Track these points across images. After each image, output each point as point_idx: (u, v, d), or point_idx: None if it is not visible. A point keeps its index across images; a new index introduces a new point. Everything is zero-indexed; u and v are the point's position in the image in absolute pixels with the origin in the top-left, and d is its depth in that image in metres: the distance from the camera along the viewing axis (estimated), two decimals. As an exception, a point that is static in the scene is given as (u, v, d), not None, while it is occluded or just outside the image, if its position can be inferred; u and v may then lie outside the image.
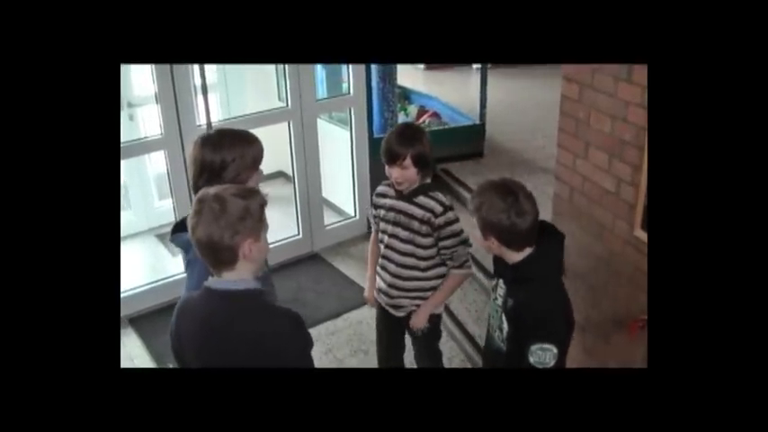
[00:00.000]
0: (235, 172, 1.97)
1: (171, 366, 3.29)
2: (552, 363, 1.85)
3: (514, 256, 1.93)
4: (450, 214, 2.37)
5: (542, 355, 1.84)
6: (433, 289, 2.49)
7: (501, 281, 2.04)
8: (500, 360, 2.07)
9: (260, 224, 1.58)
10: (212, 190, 1.57)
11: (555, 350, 1.84)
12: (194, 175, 2.02)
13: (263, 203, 1.59)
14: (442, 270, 2.49)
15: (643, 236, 2.20)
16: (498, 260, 2.03)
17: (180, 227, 2.03)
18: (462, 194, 4.47)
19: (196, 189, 2.01)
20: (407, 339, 2.74)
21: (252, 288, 1.61)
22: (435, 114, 5.80)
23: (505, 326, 1.99)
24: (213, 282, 1.61)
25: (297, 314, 1.63)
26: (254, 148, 2.03)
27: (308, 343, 1.63)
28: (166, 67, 3.53)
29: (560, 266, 1.99)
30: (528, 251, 1.92)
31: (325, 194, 4.54)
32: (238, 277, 1.59)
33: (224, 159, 1.97)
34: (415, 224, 2.39)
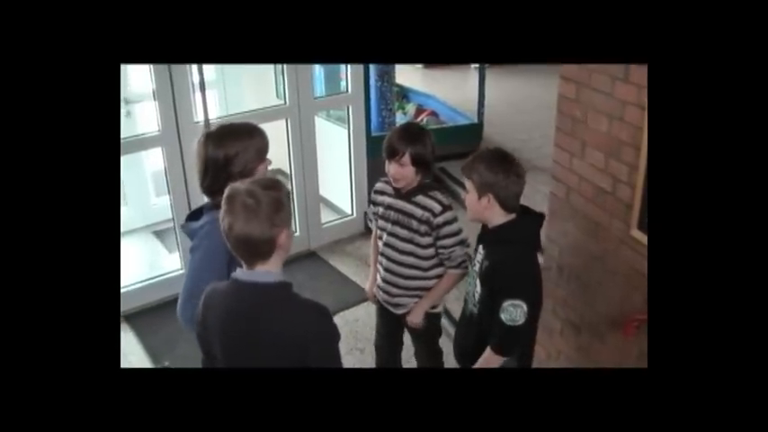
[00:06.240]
0: (241, 166, 1.95)
1: (167, 364, 3.31)
2: (522, 320, 1.96)
3: (499, 218, 2.04)
4: (448, 214, 2.37)
5: (513, 311, 1.96)
6: None
7: (480, 247, 2.14)
8: (472, 323, 2.17)
9: (289, 213, 1.61)
10: (241, 186, 1.57)
11: (525, 307, 1.96)
12: (200, 173, 2.00)
13: (288, 192, 1.62)
14: (443, 269, 2.49)
15: (639, 235, 2.21)
16: (482, 231, 2.15)
17: (194, 216, 2.04)
18: (459, 193, 4.48)
19: (203, 187, 2.01)
20: (407, 337, 2.75)
21: (281, 281, 1.62)
22: (433, 113, 5.81)
23: (479, 288, 2.09)
24: (242, 274, 1.61)
25: (325, 307, 1.63)
26: (256, 140, 2.01)
27: (335, 336, 1.63)
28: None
29: (537, 241, 2.14)
30: (511, 217, 2.05)
31: (322, 192, 4.54)
32: (271, 269, 1.60)
33: (227, 154, 1.95)
34: (414, 223, 2.38)
